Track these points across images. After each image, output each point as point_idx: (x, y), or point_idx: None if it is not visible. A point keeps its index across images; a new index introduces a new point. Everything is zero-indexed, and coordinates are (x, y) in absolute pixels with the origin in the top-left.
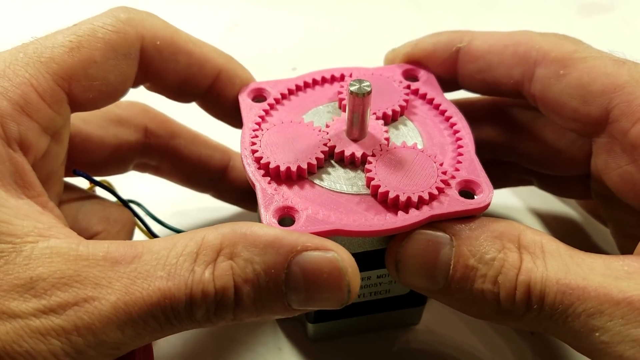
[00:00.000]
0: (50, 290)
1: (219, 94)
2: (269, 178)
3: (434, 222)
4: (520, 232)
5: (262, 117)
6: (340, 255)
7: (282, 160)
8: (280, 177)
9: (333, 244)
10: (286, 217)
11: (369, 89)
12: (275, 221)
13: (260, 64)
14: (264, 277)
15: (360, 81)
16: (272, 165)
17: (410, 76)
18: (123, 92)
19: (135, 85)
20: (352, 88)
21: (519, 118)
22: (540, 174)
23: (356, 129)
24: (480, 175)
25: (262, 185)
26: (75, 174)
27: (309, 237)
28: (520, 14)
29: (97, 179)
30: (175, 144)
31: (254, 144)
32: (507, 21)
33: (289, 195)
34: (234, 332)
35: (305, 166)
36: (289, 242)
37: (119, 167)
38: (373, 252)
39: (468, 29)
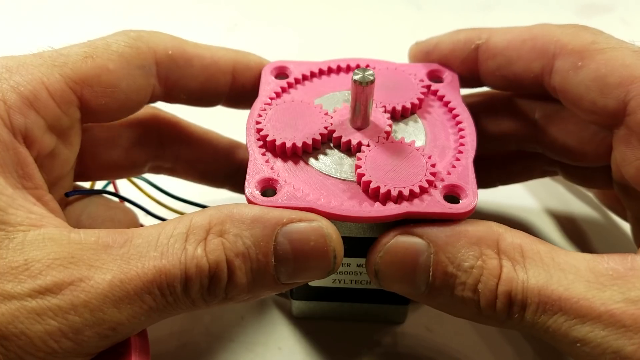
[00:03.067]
0: (45, 271)
1: (243, 85)
2: (265, 150)
3: (412, 228)
4: (498, 235)
5: (277, 93)
6: (324, 224)
7: (280, 135)
8: (276, 151)
9: (316, 216)
10: (269, 189)
11: (372, 78)
12: (256, 191)
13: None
14: (254, 250)
15: (364, 70)
16: (269, 138)
17: (434, 77)
18: (138, 104)
19: (155, 99)
20: (355, 77)
21: (542, 110)
22: (564, 165)
23: (358, 118)
24: (468, 182)
25: (255, 155)
26: (67, 196)
27: (293, 211)
28: (520, 14)
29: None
30: (188, 144)
31: (260, 115)
32: (507, 21)
33: (279, 169)
34: (234, 332)
35: (300, 144)
36: (274, 216)
37: (132, 171)
38: (353, 239)
39: (486, 27)
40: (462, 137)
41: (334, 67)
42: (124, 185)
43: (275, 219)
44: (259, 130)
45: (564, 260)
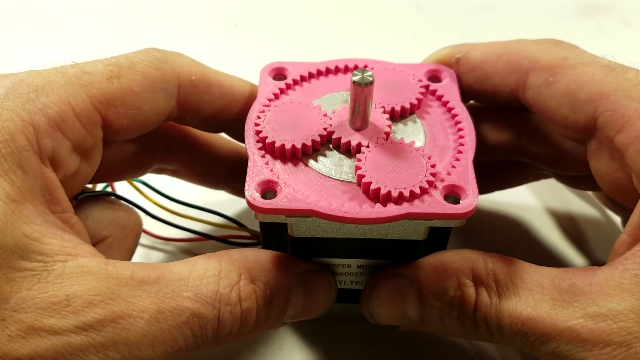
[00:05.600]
0: (87, 308)
1: None
2: (264, 152)
3: (394, 269)
4: (472, 263)
5: (275, 95)
6: (330, 275)
7: (279, 137)
8: (275, 152)
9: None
10: (269, 191)
11: (370, 79)
12: (257, 194)
13: (260, 64)
14: (277, 298)
15: (363, 71)
16: (268, 140)
17: (433, 77)
18: (155, 125)
19: (168, 120)
20: (354, 78)
21: (525, 123)
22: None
23: (357, 119)
24: (468, 182)
25: (254, 157)
26: (75, 199)
27: (307, 263)
28: (520, 14)
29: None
30: (193, 148)
31: (259, 117)
32: (507, 21)
33: (278, 171)
34: None
35: (299, 146)
36: (294, 268)
37: (137, 173)
38: (354, 240)
39: (470, 42)
40: (461, 137)
41: (332, 67)
42: (122, 187)
43: (294, 269)
44: (258, 132)
45: (532, 280)
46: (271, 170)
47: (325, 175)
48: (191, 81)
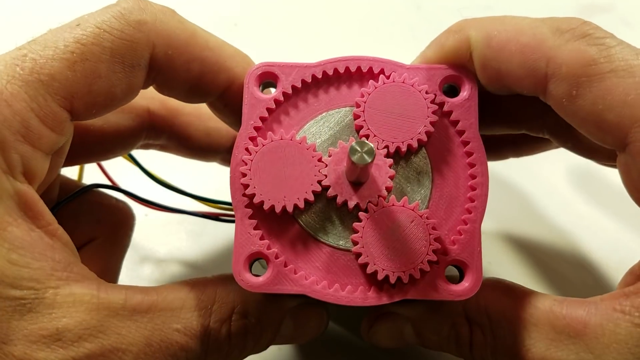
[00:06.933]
0: (77, 342)
1: (229, 102)
2: (252, 211)
3: (390, 308)
4: (464, 301)
5: (263, 119)
6: (322, 309)
7: (268, 194)
8: (264, 211)
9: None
10: (260, 259)
11: (370, 160)
12: (246, 274)
13: None
14: (266, 331)
15: (362, 144)
16: (256, 200)
17: (450, 85)
18: (127, 102)
19: (139, 90)
20: (353, 157)
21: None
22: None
23: (355, 179)
24: (474, 258)
25: (243, 222)
26: (54, 210)
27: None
28: (520, 14)
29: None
30: (180, 121)
31: (245, 163)
32: None
33: (268, 235)
34: None
35: (291, 208)
36: (285, 303)
37: (122, 151)
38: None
39: (470, 19)
40: (473, 187)
41: (331, 71)
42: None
43: (288, 303)
44: (245, 186)
45: (527, 316)
46: (261, 238)
47: (321, 241)
48: (167, 55)
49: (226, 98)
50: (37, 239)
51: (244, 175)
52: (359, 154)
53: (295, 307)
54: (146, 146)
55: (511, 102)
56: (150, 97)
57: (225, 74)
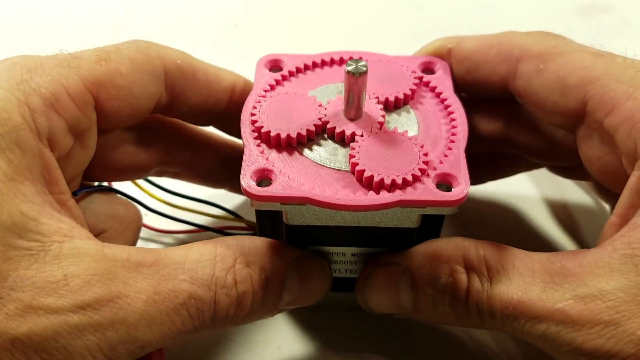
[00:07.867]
0: (85, 287)
1: (238, 106)
2: (260, 141)
3: (387, 257)
4: (464, 250)
5: (271, 86)
6: (325, 261)
7: (275, 126)
8: (271, 142)
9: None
10: (264, 180)
11: (364, 69)
12: (252, 182)
13: None
14: (272, 283)
15: (356, 61)
16: (264, 130)
17: (427, 69)
18: (147, 110)
19: (159, 109)
20: (348, 68)
21: (514, 113)
22: None
23: (352, 108)
24: (460, 170)
25: (250, 146)
26: (75, 194)
27: (301, 249)
28: (520, 14)
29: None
30: (192, 149)
31: (254, 107)
32: (506, 21)
33: (274, 160)
34: (233, 331)
35: (294, 135)
36: (288, 252)
37: (137, 175)
38: (347, 228)
39: (463, 34)
40: (454, 127)
41: (328, 60)
42: (120, 183)
43: (289, 255)
44: (253, 122)
45: (523, 264)
46: (267, 159)
47: (320, 164)
48: (177, 65)
49: (233, 104)
50: (48, 201)
51: (253, 115)
52: (353, 66)
53: (297, 258)
54: (161, 173)
55: (478, 118)
56: (167, 129)
57: (225, 80)
